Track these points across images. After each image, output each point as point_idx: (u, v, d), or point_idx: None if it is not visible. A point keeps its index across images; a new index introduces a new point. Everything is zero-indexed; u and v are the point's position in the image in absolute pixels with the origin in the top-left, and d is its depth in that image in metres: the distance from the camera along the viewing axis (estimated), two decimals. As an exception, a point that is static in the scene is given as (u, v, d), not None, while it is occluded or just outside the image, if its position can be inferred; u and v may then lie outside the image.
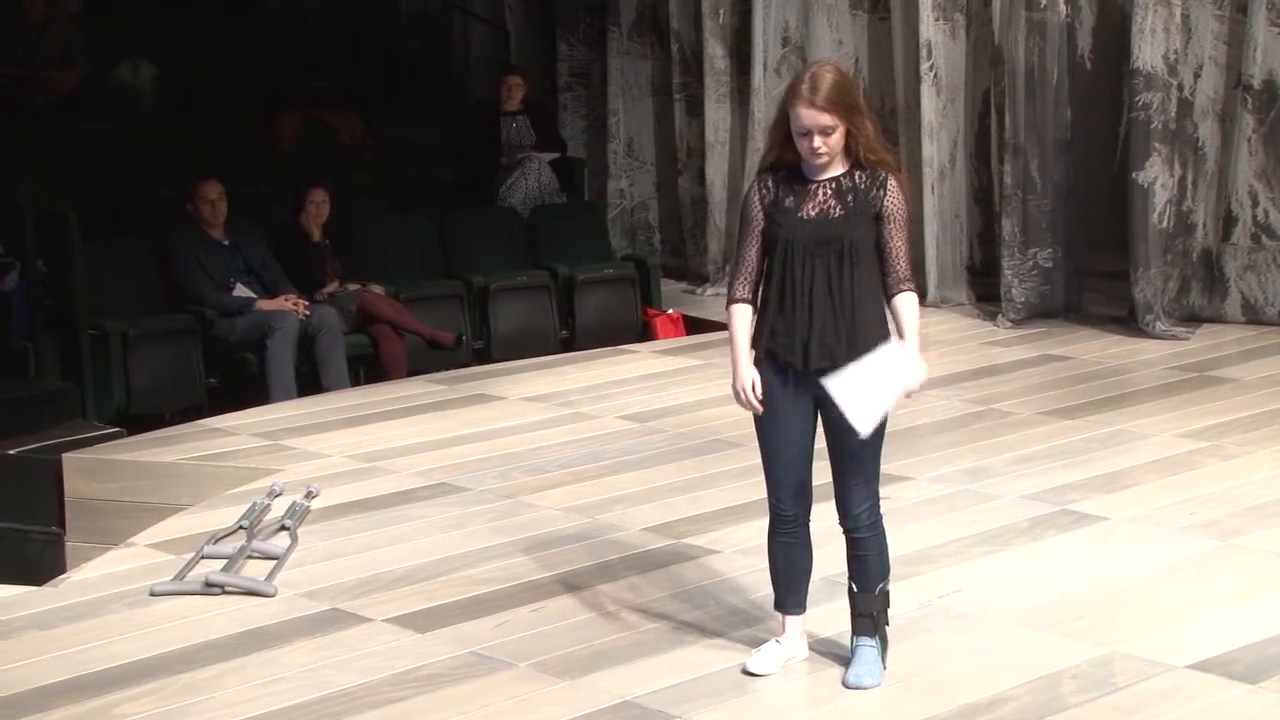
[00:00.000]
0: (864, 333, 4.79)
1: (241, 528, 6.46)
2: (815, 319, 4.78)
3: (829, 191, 4.80)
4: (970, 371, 9.15)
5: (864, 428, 4.75)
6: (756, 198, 4.87)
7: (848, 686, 4.94)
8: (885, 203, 4.80)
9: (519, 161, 11.60)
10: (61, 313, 9.09)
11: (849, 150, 4.80)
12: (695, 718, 4.79)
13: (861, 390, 4.74)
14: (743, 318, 4.90)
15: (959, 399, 8.48)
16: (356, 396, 8.97)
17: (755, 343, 4.88)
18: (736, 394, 4.91)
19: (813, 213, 4.80)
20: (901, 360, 4.75)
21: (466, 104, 12.61)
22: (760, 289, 4.92)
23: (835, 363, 4.78)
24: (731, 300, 4.93)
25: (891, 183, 4.81)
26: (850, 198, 4.80)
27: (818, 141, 4.73)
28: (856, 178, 4.81)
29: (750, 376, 4.87)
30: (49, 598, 5.88)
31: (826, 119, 4.71)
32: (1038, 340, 9.95)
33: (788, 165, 4.85)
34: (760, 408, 4.89)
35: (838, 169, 4.82)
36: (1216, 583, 5.79)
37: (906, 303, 4.85)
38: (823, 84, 4.72)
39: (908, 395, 4.78)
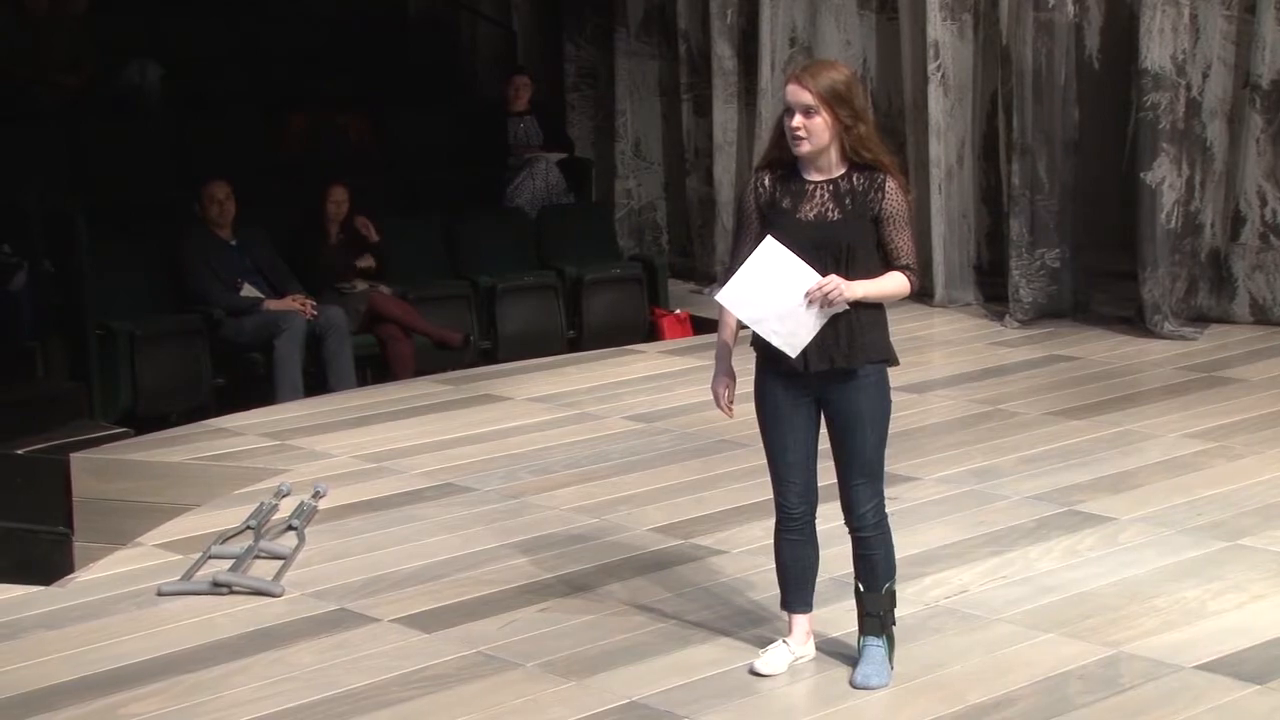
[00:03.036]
0: (862, 335, 4.79)
1: (249, 528, 6.47)
2: None
3: (827, 194, 4.80)
4: (977, 372, 9.14)
5: (792, 350, 4.74)
6: (752, 196, 4.89)
7: (855, 687, 4.94)
8: (884, 205, 4.79)
9: (526, 162, 11.61)
10: (69, 313, 9.10)
11: (843, 151, 4.79)
12: (702, 718, 4.79)
13: (771, 313, 4.70)
14: (732, 317, 4.93)
15: (966, 399, 8.48)
16: (363, 397, 8.98)
17: (755, 343, 4.90)
18: (714, 394, 5.02)
19: (810, 215, 4.79)
20: (781, 263, 4.66)
21: (474, 104, 12.61)
22: None
23: (833, 364, 4.78)
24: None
25: (890, 184, 4.80)
26: (848, 200, 4.79)
27: (797, 120, 4.73)
28: (855, 180, 4.80)
29: (724, 380, 4.97)
30: (57, 597, 5.88)
31: (808, 98, 4.71)
32: (1045, 340, 9.95)
33: (785, 163, 4.85)
34: (731, 415, 5.01)
35: (836, 170, 4.81)
36: (1224, 583, 5.78)
37: (890, 273, 4.81)
38: (816, 68, 4.79)
39: (817, 299, 4.67)
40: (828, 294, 4.68)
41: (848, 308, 4.74)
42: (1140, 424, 7.93)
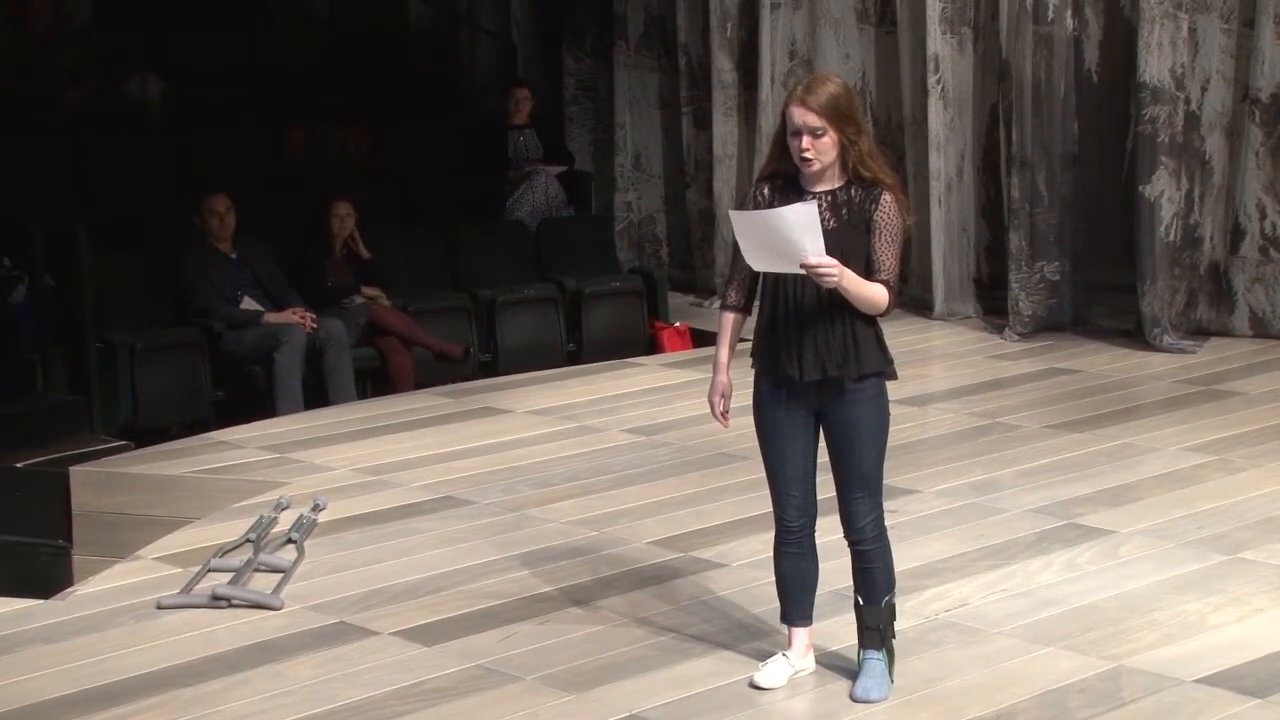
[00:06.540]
0: (857, 347, 4.79)
1: (248, 541, 6.46)
2: (808, 331, 4.79)
3: (824, 205, 4.79)
4: (977, 385, 9.14)
5: (754, 264, 4.77)
6: (751, 206, 4.89)
7: (855, 700, 4.94)
8: (875, 215, 4.78)
9: (527, 175, 11.62)
10: (69, 326, 9.10)
11: (845, 164, 4.80)
12: (701, 731, 4.80)
13: (764, 251, 4.70)
14: (729, 325, 4.97)
15: (966, 412, 8.48)
16: (363, 409, 8.98)
17: (754, 354, 4.91)
18: (710, 404, 5.02)
19: (806, 223, 4.79)
20: (806, 225, 4.63)
21: (474, 118, 12.62)
22: (753, 298, 4.99)
23: (826, 374, 4.79)
24: (722, 307, 5.01)
25: (886, 197, 4.79)
26: (845, 211, 4.79)
27: (805, 142, 4.73)
28: (852, 192, 4.81)
29: (720, 390, 4.98)
30: (56, 611, 5.88)
31: (815, 120, 4.71)
32: (1045, 353, 9.95)
33: (785, 175, 4.86)
34: (726, 425, 5.01)
35: (834, 182, 4.82)
36: (1224, 597, 5.78)
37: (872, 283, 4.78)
38: (818, 87, 4.76)
39: (808, 269, 4.65)
40: (821, 273, 4.67)
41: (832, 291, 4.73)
42: (1140, 437, 7.93)
